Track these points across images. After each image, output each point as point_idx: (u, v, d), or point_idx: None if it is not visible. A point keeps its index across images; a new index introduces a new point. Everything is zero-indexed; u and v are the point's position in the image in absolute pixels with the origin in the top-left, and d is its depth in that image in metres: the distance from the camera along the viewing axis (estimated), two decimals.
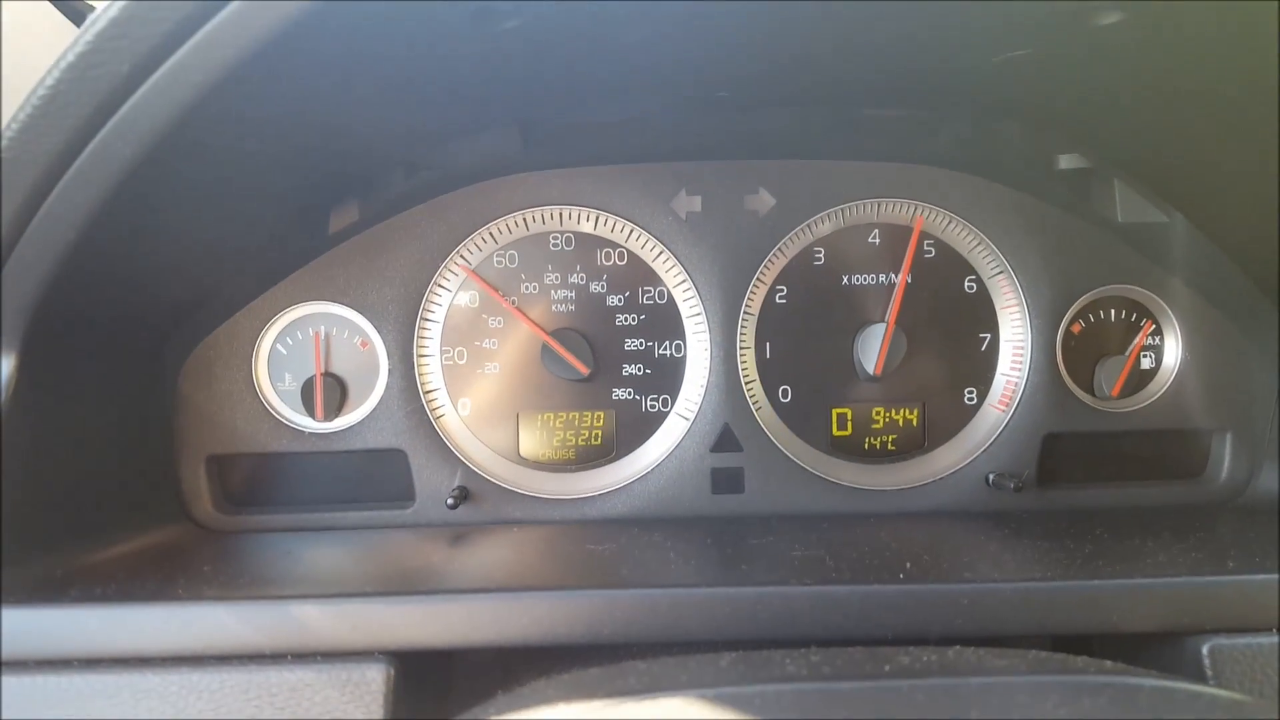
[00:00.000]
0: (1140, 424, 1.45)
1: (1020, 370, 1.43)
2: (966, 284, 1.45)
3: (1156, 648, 0.97)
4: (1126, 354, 1.45)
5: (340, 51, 0.90)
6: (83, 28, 0.81)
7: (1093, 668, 0.74)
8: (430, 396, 1.40)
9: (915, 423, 1.46)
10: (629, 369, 1.44)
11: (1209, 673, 0.92)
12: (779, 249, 1.42)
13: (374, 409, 1.39)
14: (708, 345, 1.41)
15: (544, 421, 1.44)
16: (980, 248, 1.43)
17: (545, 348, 1.40)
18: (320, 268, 1.38)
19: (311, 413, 1.38)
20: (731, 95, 1.25)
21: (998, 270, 1.44)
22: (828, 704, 0.67)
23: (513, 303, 1.42)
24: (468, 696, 0.88)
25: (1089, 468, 1.46)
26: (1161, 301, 1.45)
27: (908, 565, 1.03)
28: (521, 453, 1.43)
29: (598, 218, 1.42)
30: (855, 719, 0.64)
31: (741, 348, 1.42)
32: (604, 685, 0.71)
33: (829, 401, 1.45)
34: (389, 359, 1.39)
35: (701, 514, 1.40)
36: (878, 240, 1.44)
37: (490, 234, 1.41)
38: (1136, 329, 1.46)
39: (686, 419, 1.42)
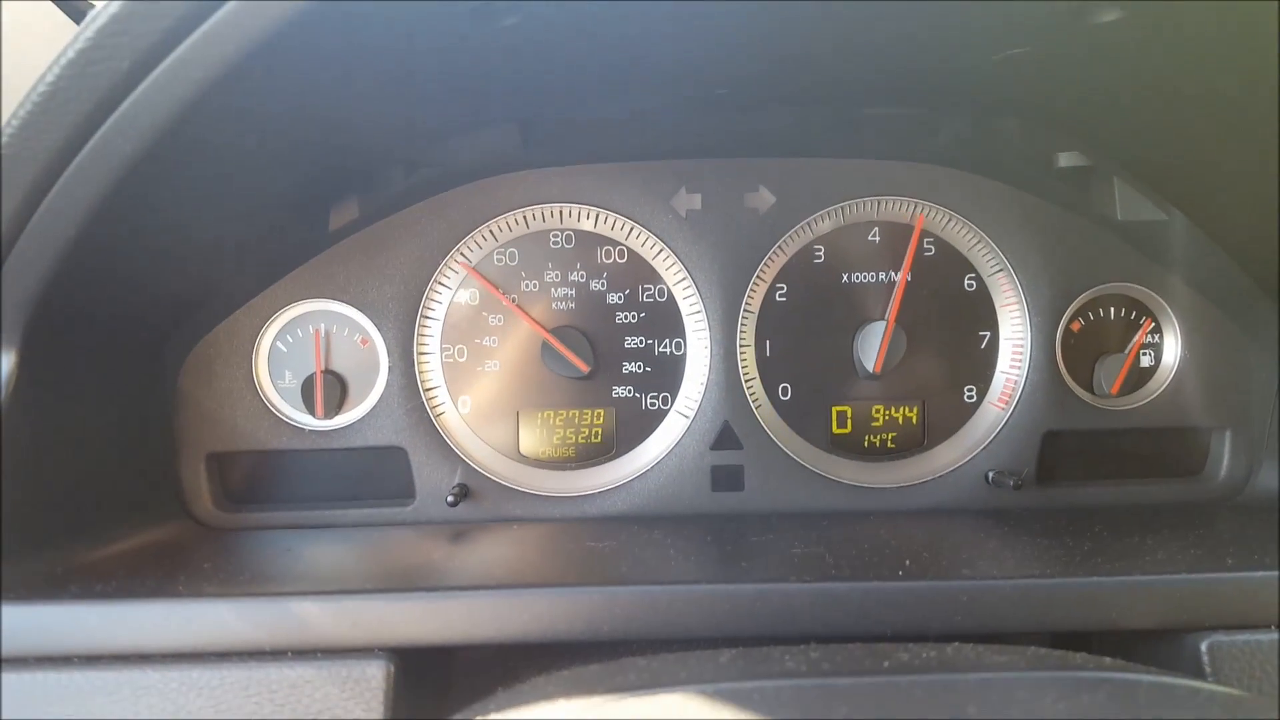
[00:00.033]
0: (1139, 422, 1.45)
1: (1020, 368, 1.43)
2: (966, 282, 1.45)
3: (1155, 644, 0.98)
4: (1126, 352, 1.45)
5: (340, 48, 0.90)
6: (83, 24, 0.81)
7: (1091, 664, 0.74)
8: (430, 394, 1.41)
9: (915, 421, 1.46)
10: (629, 367, 1.44)
11: (1207, 669, 0.92)
12: (779, 247, 1.42)
13: (374, 407, 1.39)
14: (708, 343, 1.42)
15: (544, 419, 1.44)
16: (980, 246, 1.44)
17: (545, 345, 1.41)
18: (320, 265, 1.38)
19: (312, 410, 1.38)
20: (731, 94, 1.26)
21: (997, 268, 1.44)
22: (827, 700, 0.67)
23: (513, 300, 1.42)
24: (468, 693, 0.88)
25: (1088, 465, 1.46)
26: (1161, 299, 1.45)
27: (907, 562, 1.03)
28: (522, 450, 1.43)
29: (598, 215, 1.42)
30: (855, 714, 0.65)
31: (741, 345, 1.42)
32: (604, 681, 0.71)
33: (829, 399, 1.45)
34: (389, 356, 1.39)
35: (701, 511, 1.40)
36: (877, 238, 1.44)
37: (490, 232, 1.41)
38: (1136, 327, 1.46)
39: (686, 417, 1.42)
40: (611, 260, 1.43)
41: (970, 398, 1.46)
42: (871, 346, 1.41)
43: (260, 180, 1.17)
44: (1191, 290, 1.44)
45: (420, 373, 1.40)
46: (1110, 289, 1.45)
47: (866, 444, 1.46)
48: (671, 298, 1.44)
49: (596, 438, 1.44)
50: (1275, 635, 0.93)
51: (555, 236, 1.43)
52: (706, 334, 1.42)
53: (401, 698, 0.90)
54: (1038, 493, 1.43)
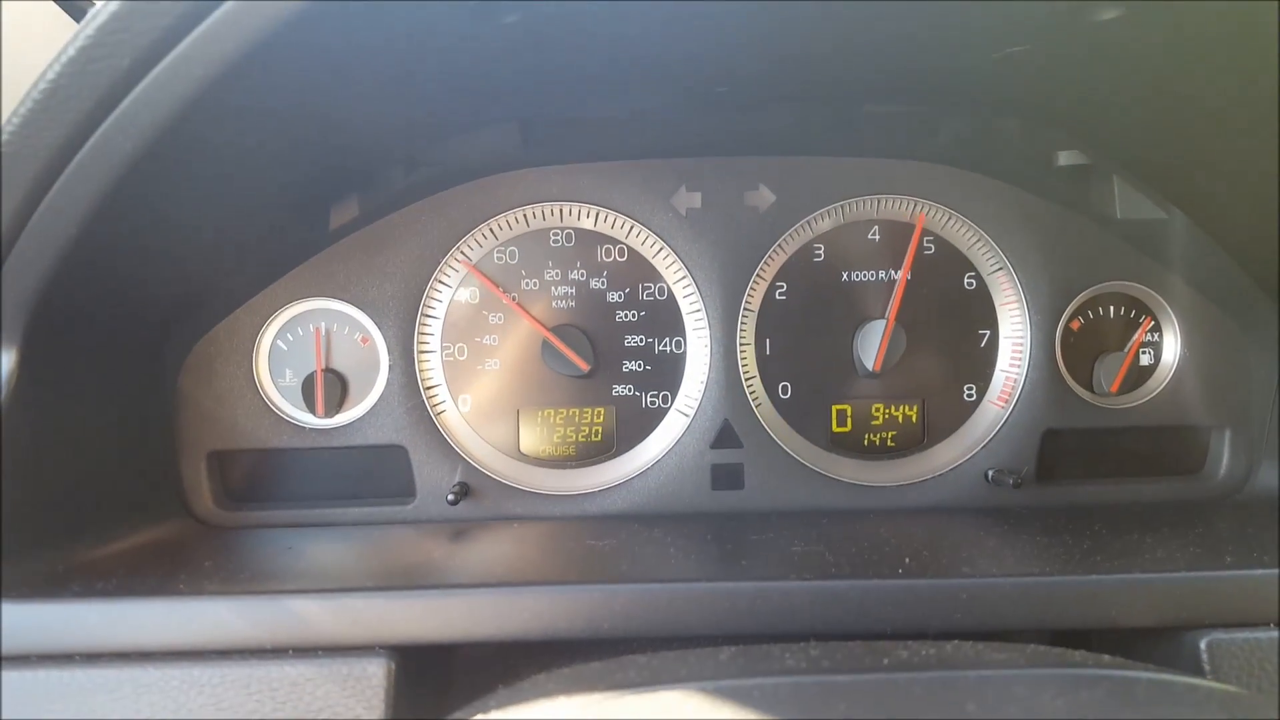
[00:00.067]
0: (1139, 420, 1.45)
1: (1019, 366, 1.43)
2: (966, 280, 1.45)
3: (1155, 642, 0.98)
4: (1125, 350, 1.45)
5: (340, 45, 0.90)
6: (83, 22, 0.81)
7: (1090, 662, 0.74)
8: (431, 392, 1.41)
9: (915, 419, 1.46)
10: (629, 365, 1.44)
11: (1207, 667, 0.92)
12: (779, 245, 1.42)
13: (374, 405, 1.39)
14: (708, 341, 1.42)
15: (544, 418, 1.44)
16: (979, 244, 1.44)
17: (546, 344, 1.41)
18: (321, 264, 1.38)
19: (312, 409, 1.38)
20: (731, 92, 1.26)
21: (997, 267, 1.44)
22: (827, 697, 0.67)
23: (513, 299, 1.42)
24: (468, 691, 0.88)
25: (1088, 464, 1.47)
26: (1160, 298, 1.45)
27: (907, 560, 1.03)
28: (522, 449, 1.44)
29: (598, 214, 1.42)
30: (854, 712, 0.65)
31: (741, 344, 1.42)
32: (604, 679, 0.71)
33: (829, 398, 1.45)
34: (389, 355, 1.39)
35: (701, 510, 1.40)
36: (877, 237, 1.44)
37: (490, 230, 1.41)
38: (1135, 325, 1.46)
39: (686, 415, 1.42)
40: (611, 259, 1.43)
41: (970, 396, 1.46)
42: (871, 345, 1.41)
43: (260, 179, 1.17)
44: (1191, 289, 1.44)
45: (420, 371, 1.40)
46: (1110, 287, 1.45)
47: (866, 442, 1.46)
48: (671, 296, 1.44)
49: (597, 436, 1.44)
50: (1274, 633, 0.94)
51: (555, 235, 1.43)
52: (706, 332, 1.42)
53: (402, 696, 0.90)
54: (1037, 491, 1.43)
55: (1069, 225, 1.42)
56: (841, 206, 1.43)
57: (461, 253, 1.40)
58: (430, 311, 1.41)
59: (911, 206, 1.43)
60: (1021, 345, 1.43)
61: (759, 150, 1.42)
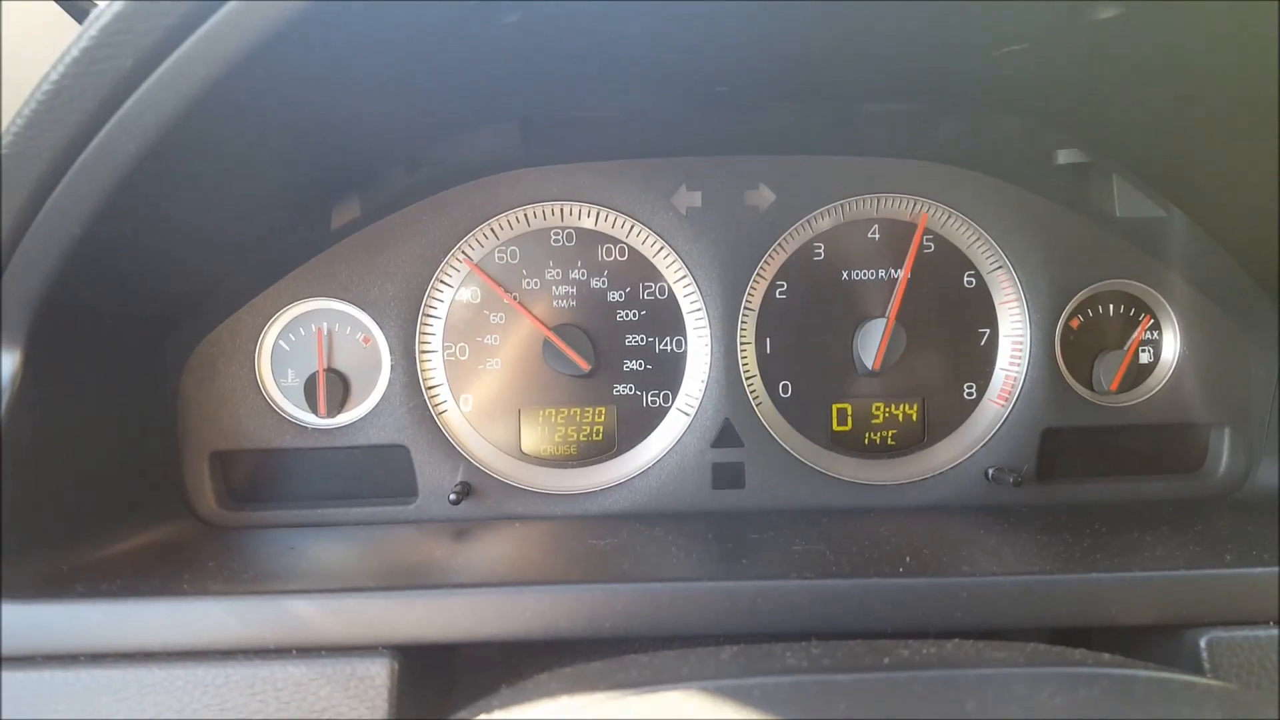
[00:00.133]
0: (1139, 418, 1.45)
1: (1019, 365, 1.44)
2: (965, 279, 1.45)
3: (1155, 640, 0.98)
4: (1125, 349, 1.45)
5: (342, 45, 0.90)
6: (86, 23, 0.81)
7: (1089, 660, 0.74)
8: (432, 392, 1.41)
9: (915, 418, 1.46)
10: (630, 365, 1.44)
11: (1206, 665, 0.93)
12: (779, 244, 1.42)
13: (376, 405, 1.39)
14: (708, 341, 1.42)
15: (545, 417, 1.44)
16: (979, 243, 1.44)
17: (547, 343, 1.41)
18: (322, 264, 1.38)
19: (314, 409, 1.38)
20: (732, 91, 1.26)
21: (997, 265, 1.44)
22: (827, 696, 0.67)
23: (514, 298, 1.42)
24: (471, 691, 0.89)
25: (1088, 462, 1.47)
26: (1160, 296, 1.45)
27: (907, 559, 1.04)
28: (523, 448, 1.44)
29: (598, 213, 1.42)
30: (855, 710, 0.65)
31: (742, 343, 1.42)
32: (606, 678, 0.71)
33: (829, 397, 1.45)
34: (391, 355, 1.39)
35: (702, 509, 1.41)
36: (877, 236, 1.45)
37: (491, 230, 1.41)
38: (1135, 324, 1.47)
39: (687, 414, 1.43)
40: (612, 258, 1.44)
41: (970, 395, 1.46)
42: (871, 344, 1.41)
43: (262, 178, 1.17)
44: (1190, 287, 1.45)
45: (422, 371, 1.40)
46: (1109, 286, 1.45)
47: (867, 441, 1.46)
48: (672, 295, 1.44)
49: (598, 435, 1.44)
50: (1274, 631, 0.94)
51: (556, 234, 1.43)
52: (707, 331, 1.42)
53: (405, 695, 0.90)
54: (1037, 489, 1.43)
55: (1068, 224, 1.43)
56: (841, 205, 1.43)
57: (463, 252, 1.41)
58: (432, 311, 1.41)
59: (911, 205, 1.43)
60: (1021, 344, 1.43)
61: (759, 149, 1.42)
